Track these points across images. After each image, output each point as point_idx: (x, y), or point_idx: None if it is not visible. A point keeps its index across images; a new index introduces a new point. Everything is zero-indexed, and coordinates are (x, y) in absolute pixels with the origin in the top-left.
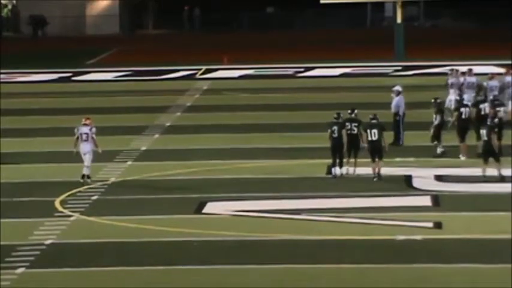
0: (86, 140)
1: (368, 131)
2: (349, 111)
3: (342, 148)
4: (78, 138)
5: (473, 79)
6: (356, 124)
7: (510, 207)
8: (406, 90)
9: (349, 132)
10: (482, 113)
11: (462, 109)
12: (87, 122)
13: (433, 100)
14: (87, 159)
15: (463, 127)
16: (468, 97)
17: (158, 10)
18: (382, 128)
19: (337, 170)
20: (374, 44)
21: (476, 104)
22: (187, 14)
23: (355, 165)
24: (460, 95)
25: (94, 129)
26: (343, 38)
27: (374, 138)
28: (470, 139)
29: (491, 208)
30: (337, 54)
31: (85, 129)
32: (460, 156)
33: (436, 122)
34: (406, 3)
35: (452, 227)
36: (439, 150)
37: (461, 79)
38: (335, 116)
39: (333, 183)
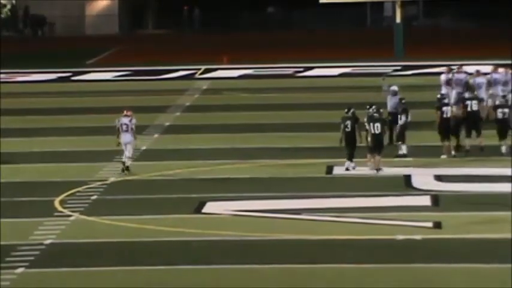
0: (126, 131)
1: (371, 124)
2: (367, 106)
3: (355, 142)
4: (119, 129)
5: (461, 76)
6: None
7: (510, 207)
8: (405, 90)
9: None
10: (469, 109)
11: (444, 108)
12: (128, 113)
13: (368, 106)
14: (127, 149)
15: (445, 126)
16: (457, 94)
17: (158, 10)
18: (385, 122)
19: (347, 164)
20: (374, 43)
21: (462, 101)
22: (187, 14)
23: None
24: (442, 94)
25: (134, 121)
26: (343, 38)
27: (377, 132)
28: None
29: (491, 208)
30: (336, 54)
31: (125, 120)
32: (442, 155)
33: (400, 122)
34: (406, 3)
35: (452, 227)
36: (404, 150)
37: (449, 75)
38: (346, 110)
39: (333, 183)
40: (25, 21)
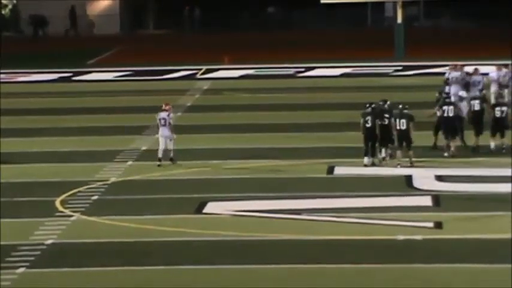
0: (164, 125)
1: (397, 120)
2: (380, 102)
3: (376, 138)
4: (158, 123)
5: (457, 73)
6: (387, 115)
7: (510, 207)
8: (406, 90)
9: (380, 123)
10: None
11: (445, 107)
12: (166, 107)
13: (381, 102)
14: (164, 142)
15: (448, 125)
16: (454, 91)
17: (158, 10)
18: (411, 118)
19: (366, 160)
20: (374, 44)
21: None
22: (188, 14)
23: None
24: (447, 92)
25: (172, 115)
26: (343, 38)
27: (402, 128)
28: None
29: (491, 208)
30: (337, 54)
31: (163, 115)
32: (445, 153)
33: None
34: (407, 3)
35: (453, 227)
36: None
37: (446, 74)
38: (367, 105)
39: (333, 183)
40: (72, 21)
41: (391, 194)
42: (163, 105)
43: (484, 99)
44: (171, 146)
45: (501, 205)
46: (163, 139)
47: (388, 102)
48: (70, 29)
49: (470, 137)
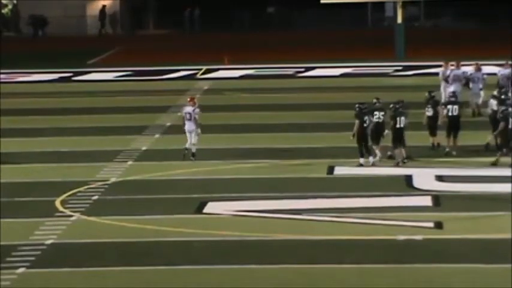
0: (189, 119)
1: (397, 118)
2: (374, 100)
3: (373, 137)
4: (183, 118)
5: (459, 71)
6: (383, 113)
7: (510, 207)
8: (406, 90)
9: (375, 121)
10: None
11: (449, 106)
12: (191, 102)
13: (374, 100)
14: (190, 136)
15: (452, 124)
16: (455, 89)
17: (158, 10)
18: (407, 115)
19: (364, 159)
20: (374, 44)
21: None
22: (188, 14)
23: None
24: (454, 91)
25: (197, 110)
26: (344, 38)
27: (401, 126)
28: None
29: (491, 208)
30: (337, 54)
31: (188, 109)
32: (447, 149)
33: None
34: (407, 3)
35: (453, 227)
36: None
37: (447, 72)
38: (360, 106)
39: (333, 183)
40: (103, 21)
41: (391, 194)
42: (188, 100)
43: (502, 101)
44: (194, 141)
45: (501, 205)
46: (190, 134)
47: (375, 100)
48: (102, 28)
49: (470, 137)
